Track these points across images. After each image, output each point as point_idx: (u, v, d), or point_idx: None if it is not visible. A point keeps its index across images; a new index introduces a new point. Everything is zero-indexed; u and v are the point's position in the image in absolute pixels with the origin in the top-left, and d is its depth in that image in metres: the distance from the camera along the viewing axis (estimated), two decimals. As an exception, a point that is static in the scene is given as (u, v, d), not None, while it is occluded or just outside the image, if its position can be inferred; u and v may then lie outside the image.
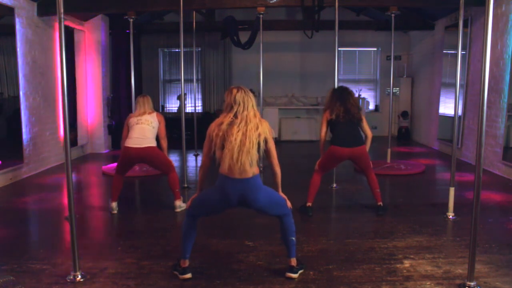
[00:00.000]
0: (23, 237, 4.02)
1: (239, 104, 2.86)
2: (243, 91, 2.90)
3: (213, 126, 2.92)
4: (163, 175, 5.01)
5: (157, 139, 4.64)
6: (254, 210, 3.00)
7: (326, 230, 4.19)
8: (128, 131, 4.57)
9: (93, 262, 3.31)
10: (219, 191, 2.88)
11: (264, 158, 3.01)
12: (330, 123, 4.45)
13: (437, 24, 9.02)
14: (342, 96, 4.43)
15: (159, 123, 4.63)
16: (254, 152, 2.81)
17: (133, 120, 4.57)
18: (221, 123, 2.86)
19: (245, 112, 2.85)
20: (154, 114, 4.65)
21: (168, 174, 4.63)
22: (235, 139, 2.78)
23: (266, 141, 2.90)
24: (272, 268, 3.20)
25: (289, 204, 3.06)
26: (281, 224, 3.04)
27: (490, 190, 5.40)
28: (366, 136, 4.55)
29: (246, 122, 2.83)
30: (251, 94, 2.94)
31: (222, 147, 2.84)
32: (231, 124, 2.83)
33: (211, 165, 3.02)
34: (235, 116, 2.85)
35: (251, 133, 2.81)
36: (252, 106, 2.90)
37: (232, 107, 2.87)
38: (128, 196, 5.38)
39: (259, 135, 2.84)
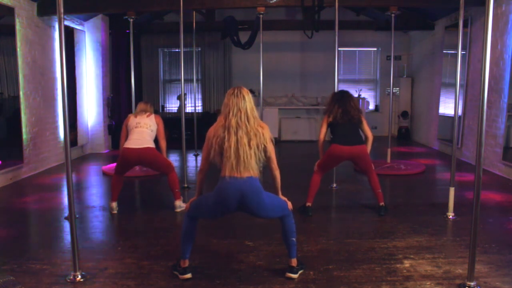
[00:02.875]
0: (23, 237, 4.03)
1: (232, 106, 2.82)
2: (234, 92, 2.85)
3: (212, 130, 2.90)
4: (163, 175, 5.01)
5: (156, 140, 4.66)
6: (255, 216, 2.97)
7: (326, 230, 4.19)
8: (126, 131, 4.61)
9: (93, 262, 3.31)
10: (217, 193, 2.85)
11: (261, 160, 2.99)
12: (330, 125, 4.46)
13: (437, 24, 9.02)
14: (342, 99, 4.46)
15: (158, 125, 4.66)
16: (247, 157, 2.77)
17: (132, 123, 4.59)
18: (217, 128, 2.85)
19: (239, 114, 2.81)
20: (152, 116, 4.68)
21: (168, 174, 4.64)
22: (230, 146, 2.77)
23: (264, 147, 2.87)
24: (272, 268, 3.20)
25: (290, 205, 3.05)
26: (282, 225, 3.03)
27: (490, 190, 5.40)
28: (366, 138, 4.56)
29: (236, 126, 2.79)
30: (244, 95, 2.86)
31: (221, 153, 2.83)
32: (226, 130, 2.80)
33: (210, 169, 3.01)
34: (230, 119, 2.81)
35: (243, 139, 2.77)
36: (247, 108, 2.83)
37: (226, 109, 2.85)
38: (128, 196, 5.38)
39: (252, 139, 2.79)
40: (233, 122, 2.80)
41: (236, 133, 2.79)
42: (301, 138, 10.39)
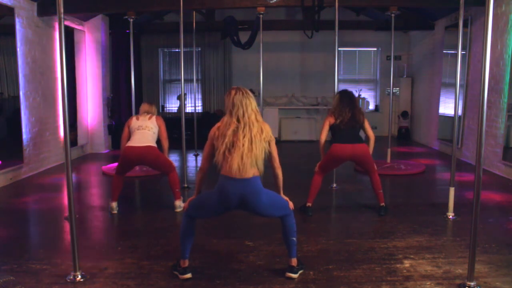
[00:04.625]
0: (23, 237, 4.02)
1: (239, 108, 2.81)
2: (241, 93, 2.85)
3: (215, 130, 2.89)
4: (163, 175, 5.01)
5: (158, 141, 4.67)
6: (254, 214, 2.99)
7: (326, 230, 4.19)
8: (128, 132, 4.63)
9: (93, 262, 3.31)
10: (218, 193, 2.86)
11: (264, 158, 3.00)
12: (332, 127, 4.44)
13: (437, 24, 9.02)
14: (351, 102, 4.42)
15: (159, 127, 4.67)
16: (260, 156, 2.80)
17: (134, 125, 4.61)
18: (224, 129, 2.83)
19: (246, 116, 2.81)
20: (154, 118, 4.71)
21: (169, 174, 4.64)
22: (243, 145, 2.76)
23: (269, 144, 2.90)
24: (272, 268, 3.20)
25: (291, 205, 3.05)
26: (282, 224, 3.03)
27: (490, 190, 5.40)
28: (368, 138, 4.54)
29: (249, 126, 2.80)
30: (250, 95, 2.88)
31: (225, 153, 2.81)
32: (235, 130, 2.80)
33: (210, 168, 3.02)
34: (238, 120, 2.81)
35: (257, 138, 2.79)
36: (252, 108, 2.85)
37: (232, 111, 2.84)
38: (128, 196, 5.38)
39: (264, 139, 2.83)
40: (244, 120, 2.80)
41: (243, 131, 2.79)
42: (301, 138, 10.39)
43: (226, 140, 2.79)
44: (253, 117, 2.84)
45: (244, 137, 2.78)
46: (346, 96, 4.51)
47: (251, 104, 2.85)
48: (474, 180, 2.80)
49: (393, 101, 8.48)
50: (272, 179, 3.09)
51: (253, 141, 2.78)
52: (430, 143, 9.42)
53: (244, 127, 2.80)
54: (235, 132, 2.80)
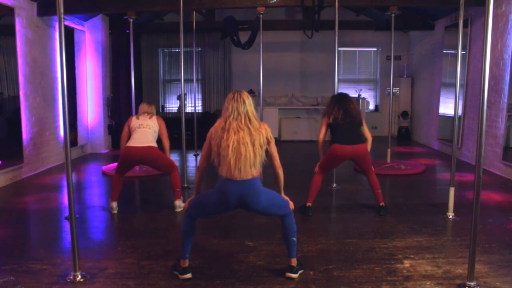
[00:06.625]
0: (23, 237, 4.03)
1: (232, 110, 2.83)
2: (234, 97, 2.86)
3: (212, 130, 2.91)
4: (163, 174, 5.02)
5: (159, 141, 4.68)
6: (254, 212, 3.00)
7: (326, 230, 4.19)
8: (128, 132, 4.63)
9: (93, 262, 3.31)
10: (217, 193, 2.87)
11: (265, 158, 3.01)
12: (330, 126, 4.45)
13: (437, 24, 9.02)
14: (341, 100, 4.46)
15: (160, 125, 4.69)
16: (250, 156, 2.79)
17: (134, 124, 4.62)
18: (216, 130, 2.86)
19: (239, 118, 2.82)
20: (154, 118, 4.73)
21: (170, 174, 4.64)
22: (228, 145, 2.77)
23: (267, 144, 2.89)
24: (272, 268, 3.20)
25: (291, 205, 3.05)
26: (282, 224, 3.04)
27: (490, 190, 5.40)
28: (366, 139, 4.56)
29: (239, 129, 2.80)
30: (246, 98, 2.88)
31: (219, 153, 2.83)
32: (227, 131, 2.81)
33: (209, 168, 3.02)
34: (230, 122, 2.83)
35: (246, 140, 2.79)
36: (247, 111, 2.85)
37: (226, 113, 2.86)
38: (128, 196, 5.38)
39: (255, 139, 2.81)
40: (234, 125, 2.82)
41: (236, 134, 2.80)
42: (301, 138, 10.39)
43: (217, 141, 2.83)
44: (246, 120, 2.83)
45: (232, 138, 2.78)
46: (335, 96, 4.61)
47: (242, 107, 2.84)
48: (474, 180, 2.80)
49: (393, 101, 8.48)
50: (272, 179, 3.09)
51: (241, 143, 2.78)
52: (430, 143, 9.42)
53: (229, 129, 2.81)
54: (226, 134, 2.80)
